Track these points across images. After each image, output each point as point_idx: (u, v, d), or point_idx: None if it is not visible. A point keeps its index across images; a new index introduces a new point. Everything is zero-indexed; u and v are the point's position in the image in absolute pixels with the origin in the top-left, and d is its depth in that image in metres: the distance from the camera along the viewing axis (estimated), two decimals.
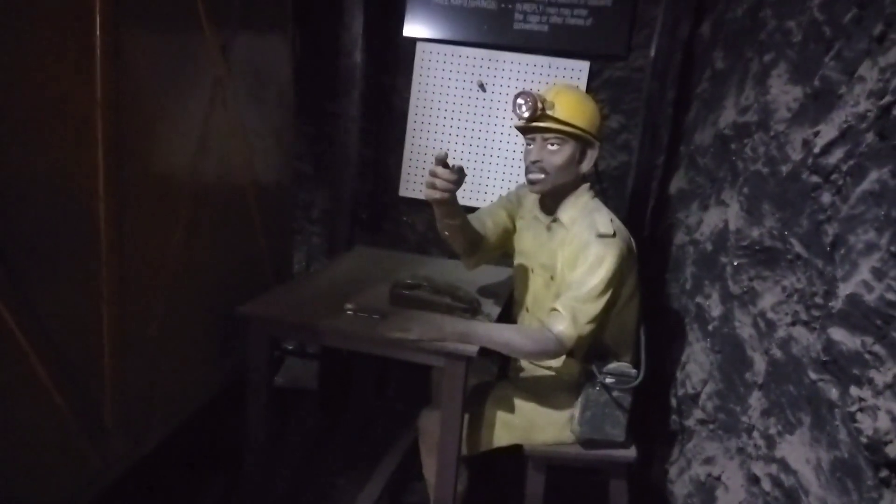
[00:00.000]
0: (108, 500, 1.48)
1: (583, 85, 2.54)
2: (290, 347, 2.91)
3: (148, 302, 1.52)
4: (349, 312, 1.75)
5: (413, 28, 2.62)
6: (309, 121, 2.78)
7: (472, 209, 2.02)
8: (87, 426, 1.34)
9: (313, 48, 2.69)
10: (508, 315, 2.01)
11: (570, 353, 1.73)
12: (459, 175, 1.61)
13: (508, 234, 1.96)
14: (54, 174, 1.21)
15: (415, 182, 2.71)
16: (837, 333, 1.12)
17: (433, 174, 1.60)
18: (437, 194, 1.61)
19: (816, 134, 1.27)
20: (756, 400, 1.44)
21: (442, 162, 1.59)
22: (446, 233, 1.79)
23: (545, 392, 1.81)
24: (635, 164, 2.44)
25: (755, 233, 1.53)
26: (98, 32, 1.26)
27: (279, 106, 2.17)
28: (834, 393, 1.12)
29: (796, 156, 1.36)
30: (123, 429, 1.46)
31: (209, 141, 1.70)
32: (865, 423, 1.01)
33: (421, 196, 2.46)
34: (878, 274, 1.03)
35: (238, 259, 1.97)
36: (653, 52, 2.31)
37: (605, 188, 2.61)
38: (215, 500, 2.05)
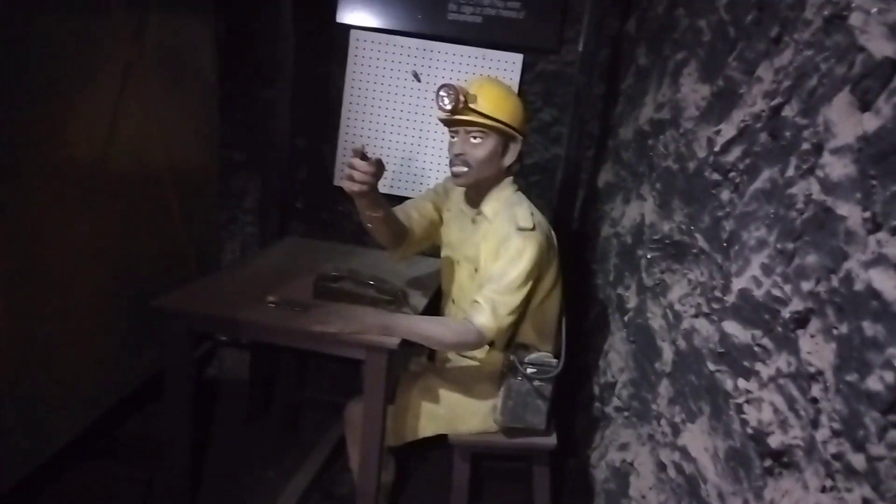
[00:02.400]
0: (13, 501, 1.43)
1: (516, 77, 2.55)
2: (224, 339, 2.86)
3: (49, 297, 1.46)
4: (271, 305, 1.72)
5: (347, 15, 2.58)
6: (240, 108, 2.71)
7: (409, 198, 2.02)
8: None
9: (241, 32, 2.62)
10: (437, 306, 2.02)
11: (492, 344, 1.76)
12: (378, 167, 1.60)
13: (435, 227, 1.97)
14: None
15: None
16: (731, 326, 1.16)
17: (351, 166, 1.59)
18: (355, 187, 1.60)
19: (718, 132, 1.31)
20: (664, 388, 1.49)
21: (360, 154, 1.58)
22: (370, 225, 1.77)
23: (469, 382, 1.83)
24: (565, 157, 2.47)
25: (666, 227, 1.57)
26: None
27: (201, 92, 2.12)
28: (729, 384, 1.17)
29: (702, 153, 1.40)
30: (25, 429, 1.40)
31: (120, 128, 1.64)
32: (751, 415, 1.05)
33: None
34: (767, 270, 1.07)
35: (155, 250, 1.92)
36: (581, 47, 2.34)
37: (537, 181, 2.64)
38: (137, 495, 2.00)
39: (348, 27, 2.58)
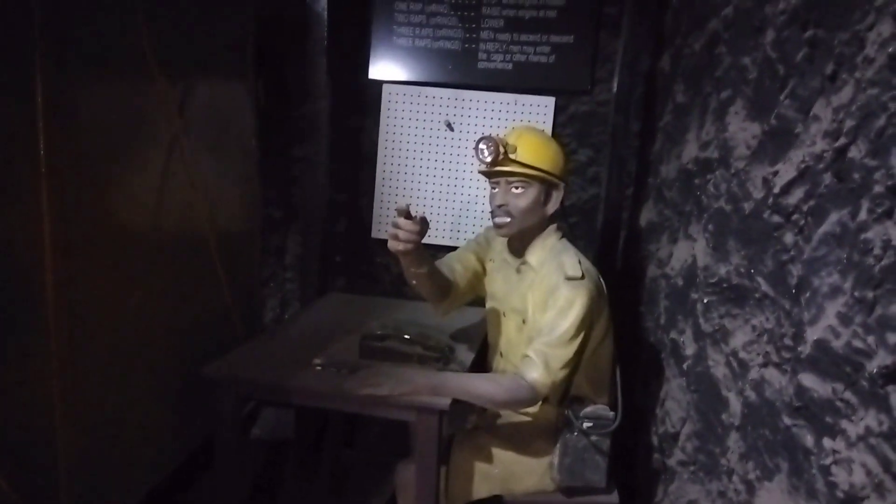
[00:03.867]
0: None
1: (549, 120, 2.54)
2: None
3: (104, 371, 1.46)
4: (318, 368, 1.70)
5: (378, 70, 2.62)
6: (277, 166, 2.75)
7: (445, 247, 2.00)
8: None
9: (278, 93, 2.67)
10: (484, 359, 1.98)
11: (546, 399, 1.70)
12: (423, 225, 1.59)
13: (479, 278, 1.93)
14: None
15: (387, 223, 2.68)
16: (808, 379, 1.09)
17: (395, 226, 1.58)
18: (400, 246, 1.59)
19: (776, 173, 1.26)
20: (734, 442, 1.41)
21: (404, 213, 1.57)
22: (414, 281, 1.75)
23: (523, 439, 1.77)
24: (605, 196, 2.43)
25: (722, 270, 1.51)
26: (39, 97, 1.23)
27: (242, 155, 2.15)
28: (809, 440, 1.09)
29: (757, 194, 1.35)
30: None
31: (167, 201, 1.66)
32: (841, 477, 0.98)
33: None
34: (844, 319, 1.01)
35: (203, 316, 1.93)
36: (615, 86, 2.32)
37: (577, 222, 2.60)
38: None
39: (381, 82, 2.61)
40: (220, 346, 1.79)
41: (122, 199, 1.51)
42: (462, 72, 2.57)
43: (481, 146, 1.67)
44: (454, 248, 2.06)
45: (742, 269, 1.42)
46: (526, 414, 1.79)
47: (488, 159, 1.67)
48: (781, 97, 1.28)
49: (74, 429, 1.36)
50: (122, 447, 1.55)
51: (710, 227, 1.62)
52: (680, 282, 1.84)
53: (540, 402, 1.70)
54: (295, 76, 2.57)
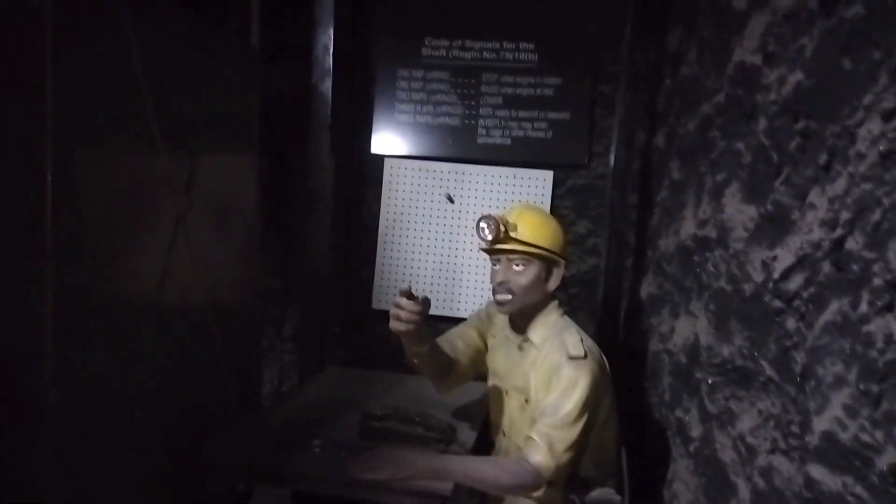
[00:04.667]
0: None
1: (548, 193, 2.58)
2: None
3: (98, 453, 1.43)
4: (317, 450, 1.67)
5: (380, 145, 2.68)
6: (279, 238, 2.78)
7: (445, 319, 1.99)
8: None
9: (281, 167, 2.72)
10: (486, 437, 1.94)
11: (551, 483, 1.66)
12: (424, 306, 1.59)
13: (480, 355, 1.92)
14: None
15: (388, 294, 2.69)
16: (816, 471, 1.07)
17: (398, 306, 1.58)
18: (402, 326, 1.58)
19: (774, 258, 1.28)
20: None
21: (406, 293, 1.57)
22: (415, 360, 1.74)
23: None
24: (605, 268, 2.45)
25: (726, 351, 1.50)
26: (49, 178, 1.25)
27: (244, 230, 2.17)
28: None
29: (757, 276, 1.36)
30: None
31: (169, 279, 1.67)
32: None
33: None
34: (851, 411, 1.00)
35: (199, 388, 1.90)
36: (612, 161, 2.37)
37: (577, 293, 2.61)
38: None
39: (383, 156, 2.67)
40: (216, 421, 1.77)
41: (126, 280, 1.52)
42: (462, 146, 2.63)
43: (482, 225, 1.69)
44: (454, 320, 2.06)
45: (745, 352, 1.42)
46: (530, 498, 1.74)
47: (489, 237, 1.69)
48: (777, 183, 1.31)
49: None
50: None
51: (712, 306, 1.62)
52: (683, 359, 1.83)
53: (544, 486, 1.67)
54: (299, 151, 2.63)
